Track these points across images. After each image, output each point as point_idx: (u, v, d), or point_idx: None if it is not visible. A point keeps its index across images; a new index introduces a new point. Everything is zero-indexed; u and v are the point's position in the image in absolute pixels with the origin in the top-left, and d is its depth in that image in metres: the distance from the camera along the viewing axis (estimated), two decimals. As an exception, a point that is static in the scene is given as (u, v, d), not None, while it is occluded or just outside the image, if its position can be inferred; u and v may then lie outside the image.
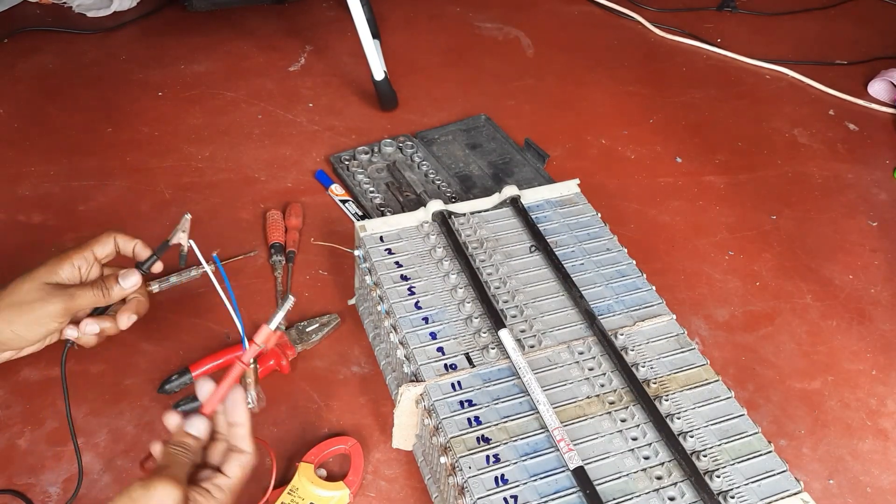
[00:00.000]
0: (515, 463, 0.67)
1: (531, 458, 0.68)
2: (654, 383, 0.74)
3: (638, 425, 0.71)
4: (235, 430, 0.61)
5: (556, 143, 1.26)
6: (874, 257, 1.12)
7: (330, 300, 0.97)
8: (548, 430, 0.69)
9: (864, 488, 0.83)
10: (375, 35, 1.37)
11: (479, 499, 0.64)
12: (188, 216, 0.70)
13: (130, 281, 0.69)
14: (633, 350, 0.78)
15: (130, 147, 1.17)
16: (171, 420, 0.60)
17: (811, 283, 1.06)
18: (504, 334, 0.76)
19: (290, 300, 0.62)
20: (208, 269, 0.70)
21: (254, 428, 0.81)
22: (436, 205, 0.90)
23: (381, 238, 0.87)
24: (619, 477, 0.67)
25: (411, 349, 0.76)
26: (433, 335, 0.77)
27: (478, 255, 0.87)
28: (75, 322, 0.71)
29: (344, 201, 1.10)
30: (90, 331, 0.69)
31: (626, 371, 0.75)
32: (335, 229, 1.07)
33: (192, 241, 0.69)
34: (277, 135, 1.23)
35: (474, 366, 0.75)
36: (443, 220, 0.89)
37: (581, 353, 0.77)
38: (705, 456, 0.69)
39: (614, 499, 0.65)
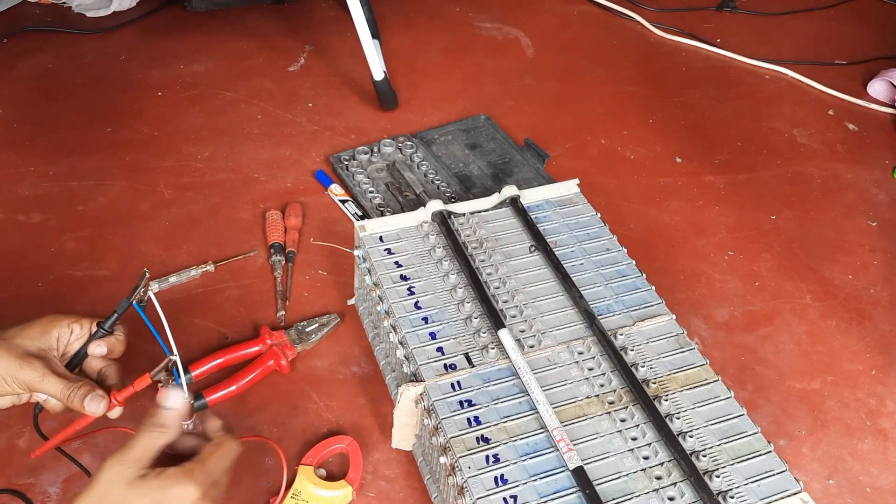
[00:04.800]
0: (515, 463, 0.67)
1: (531, 458, 0.68)
2: (654, 383, 0.74)
3: (637, 425, 0.71)
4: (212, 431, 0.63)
5: (555, 143, 1.26)
6: (874, 257, 1.12)
7: (329, 300, 0.97)
8: (547, 430, 0.69)
9: (863, 488, 0.83)
10: (375, 35, 1.37)
11: (478, 499, 0.64)
12: (146, 272, 0.69)
13: (95, 407, 0.65)
14: (632, 350, 0.78)
15: (130, 147, 1.17)
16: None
17: (811, 283, 1.06)
18: (504, 334, 0.76)
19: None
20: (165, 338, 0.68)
21: (256, 428, 0.82)
22: (435, 205, 0.90)
23: (380, 238, 0.87)
24: (619, 477, 0.67)
25: (411, 349, 0.76)
26: (433, 335, 0.77)
27: (477, 255, 0.87)
28: None
29: (343, 201, 1.10)
30: (54, 409, 0.68)
31: (625, 371, 0.75)
32: (335, 229, 1.07)
33: (151, 293, 0.68)
34: (277, 135, 1.23)
35: (474, 366, 0.75)
36: (442, 220, 0.89)
37: (581, 353, 0.77)
38: (705, 456, 0.69)
39: (614, 499, 0.65)
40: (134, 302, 0.68)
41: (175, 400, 0.58)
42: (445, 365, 0.75)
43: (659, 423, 0.71)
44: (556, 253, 0.87)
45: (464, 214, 0.91)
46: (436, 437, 0.70)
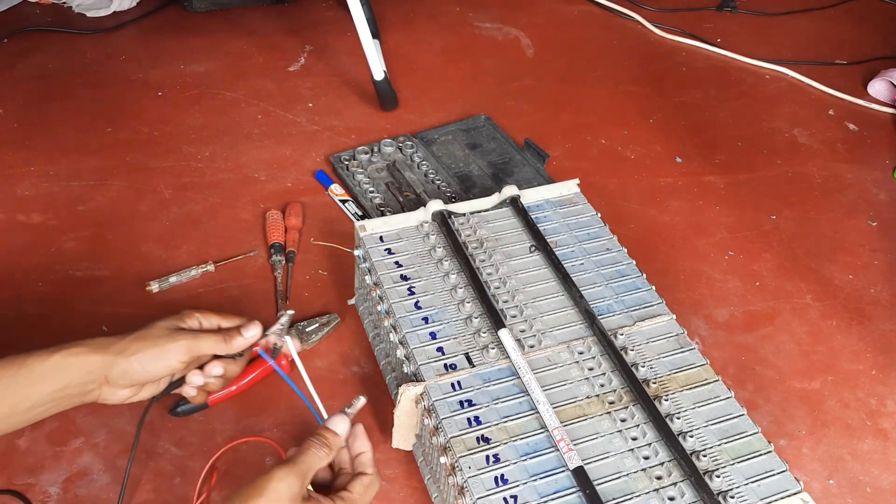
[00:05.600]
0: (515, 463, 0.67)
1: (531, 457, 0.68)
2: (654, 383, 0.74)
3: (638, 425, 0.71)
4: (360, 457, 0.66)
5: (556, 143, 1.26)
6: (874, 257, 1.12)
7: (330, 300, 0.97)
8: (548, 430, 0.69)
9: (863, 488, 0.83)
10: (375, 35, 1.37)
11: (478, 499, 0.64)
12: (291, 312, 0.75)
13: (252, 331, 0.72)
14: (632, 350, 0.78)
15: (130, 147, 1.17)
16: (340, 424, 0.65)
17: (811, 283, 1.06)
18: (504, 334, 0.76)
19: (362, 400, 0.68)
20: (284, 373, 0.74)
21: (256, 428, 0.82)
22: (435, 205, 0.90)
23: (380, 238, 0.87)
24: (619, 477, 0.67)
25: (411, 349, 0.76)
26: (433, 335, 0.77)
27: (477, 254, 0.87)
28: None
29: (344, 201, 1.10)
30: (215, 372, 0.72)
31: (625, 371, 0.75)
32: (335, 229, 1.07)
33: (287, 338, 0.74)
34: (277, 135, 1.23)
35: (474, 366, 0.75)
36: (442, 219, 0.89)
37: (581, 353, 0.77)
38: (705, 456, 0.69)
39: (614, 499, 0.65)
40: (262, 350, 0.73)
41: (341, 426, 0.64)
42: (446, 365, 0.75)
43: (659, 423, 0.70)
44: (556, 253, 0.87)
45: (464, 214, 0.91)
46: (436, 437, 0.70)
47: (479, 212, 0.92)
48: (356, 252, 0.88)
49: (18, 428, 0.66)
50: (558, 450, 0.68)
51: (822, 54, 1.56)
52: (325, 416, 0.67)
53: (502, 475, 0.66)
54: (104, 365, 0.65)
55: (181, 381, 0.71)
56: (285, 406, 0.84)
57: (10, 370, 0.63)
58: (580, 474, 0.66)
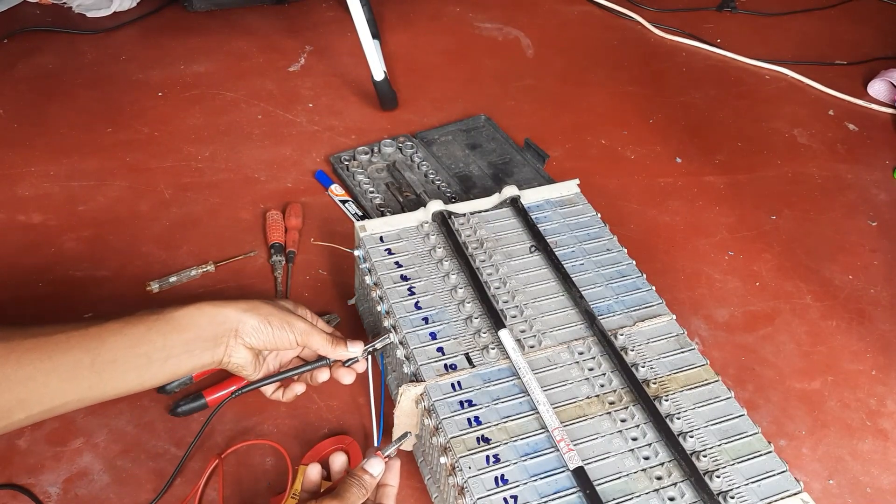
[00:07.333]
0: (515, 463, 0.67)
1: (531, 458, 0.68)
2: (654, 383, 0.74)
3: (638, 425, 0.71)
4: (385, 489, 0.69)
5: (556, 143, 1.26)
6: (874, 257, 1.12)
7: (330, 300, 0.97)
8: (548, 431, 0.69)
9: (863, 488, 0.83)
10: (375, 35, 1.37)
11: (479, 499, 0.64)
12: (391, 339, 0.78)
13: (357, 348, 0.76)
14: (632, 350, 0.78)
15: (130, 147, 1.17)
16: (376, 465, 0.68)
17: (811, 283, 1.06)
18: (504, 334, 0.76)
19: (410, 436, 0.73)
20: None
21: (256, 429, 0.82)
22: (436, 205, 0.90)
23: (380, 238, 0.87)
24: (619, 477, 0.67)
25: (411, 349, 0.76)
26: (433, 335, 0.77)
27: (478, 255, 0.87)
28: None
29: (344, 201, 1.10)
30: (322, 378, 0.77)
31: (625, 371, 0.75)
32: (335, 229, 1.07)
33: (369, 358, 0.79)
34: (277, 135, 1.23)
35: (474, 366, 0.75)
36: (443, 220, 0.89)
37: (581, 354, 0.77)
38: (705, 456, 0.69)
39: (614, 499, 0.65)
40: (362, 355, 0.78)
41: (377, 468, 0.68)
42: (446, 365, 0.75)
43: (659, 423, 0.70)
44: (556, 253, 0.87)
45: (464, 214, 0.91)
46: (436, 438, 0.70)
47: (480, 212, 0.92)
48: (356, 252, 0.88)
49: (153, 386, 0.67)
50: (558, 450, 0.68)
51: (822, 54, 1.56)
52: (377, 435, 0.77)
53: (502, 475, 0.66)
54: (237, 317, 0.69)
55: (264, 380, 0.75)
56: (285, 407, 0.84)
57: (147, 320, 0.66)
58: (580, 474, 0.66)
